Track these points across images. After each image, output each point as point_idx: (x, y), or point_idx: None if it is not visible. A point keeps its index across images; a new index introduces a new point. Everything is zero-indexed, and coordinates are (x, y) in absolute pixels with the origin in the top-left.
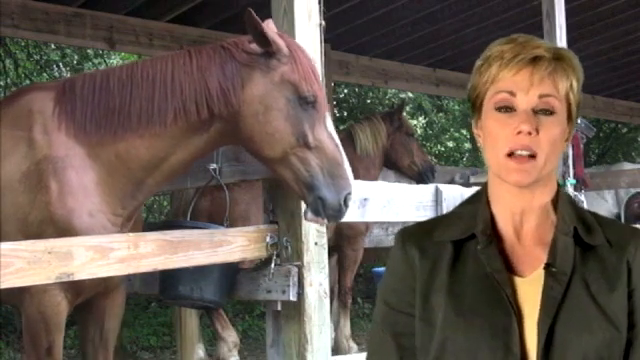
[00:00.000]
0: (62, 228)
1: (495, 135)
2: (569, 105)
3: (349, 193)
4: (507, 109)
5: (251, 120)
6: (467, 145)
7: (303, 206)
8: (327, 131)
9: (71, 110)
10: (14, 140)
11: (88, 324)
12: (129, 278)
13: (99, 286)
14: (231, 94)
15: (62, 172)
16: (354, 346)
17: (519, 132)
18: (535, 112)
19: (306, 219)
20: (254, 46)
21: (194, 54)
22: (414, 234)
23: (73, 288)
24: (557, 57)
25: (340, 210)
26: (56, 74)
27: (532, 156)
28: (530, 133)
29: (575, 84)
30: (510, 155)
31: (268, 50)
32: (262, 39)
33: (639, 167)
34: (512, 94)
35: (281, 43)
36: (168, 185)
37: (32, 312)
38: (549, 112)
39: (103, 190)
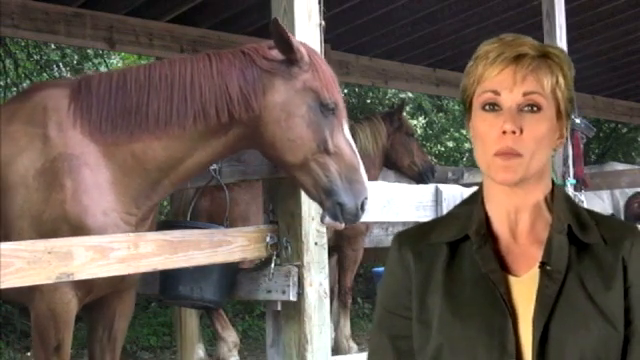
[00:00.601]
0: (76, 226)
1: (483, 135)
2: (557, 101)
3: (366, 198)
4: (493, 107)
5: (273, 126)
6: (467, 145)
7: (304, 207)
8: (344, 137)
9: (87, 108)
10: (28, 136)
11: (97, 324)
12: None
13: (110, 286)
14: (252, 99)
15: (77, 170)
16: (354, 346)
17: (504, 132)
18: (520, 110)
19: (323, 223)
20: (275, 52)
21: (214, 58)
22: (410, 237)
23: (84, 287)
24: (542, 54)
25: (357, 214)
26: (56, 74)
27: (518, 154)
28: (514, 132)
29: (562, 80)
30: (495, 154)
31: (291, 58)
32: (287, 47)
33: (629, 167)
34: (496, 93)
35: (304, 51)
36: None
37: (42, 310)
38: (535, 108)
39: (118, 189)
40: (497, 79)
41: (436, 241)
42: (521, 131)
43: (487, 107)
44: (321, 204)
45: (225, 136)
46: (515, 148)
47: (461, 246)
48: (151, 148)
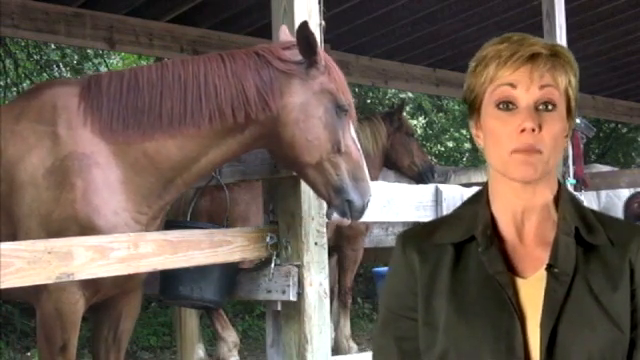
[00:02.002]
0: (86, 226)
1: (497, 134)
2: (568, 100)
3: (370, 195)
4: (508, 105)
5: (292, 127)
6: (467, 145)
7: (304, 207)
8: (352, 136)
9: (97, 107)
10: (38, 135)
11: (103, 324)
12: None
13: (117, 286)
14: (270, 100)
15: (88, 170)
16: (354, 346)
17: (522, 130)
18: (537, 109)
19: (329, 220)
20: (289, 53)
21: (227, 58)
22: (414, 237)
23: (91, 287)
24: (554, 54)
25: (363, 211)
26: (56, 74)
27: (538, 151)
28: (534, 130)
29: (573, 79)
30: (513, 153)
31: (312, 60)
32: (311, 50)
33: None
34: (513, 86)
35: (322, 54)
36: None
37: (49, 309)
38: (551, 106)
39: (129, 188)
40: (512, 77)
41: (441, 242)
42: (540, 129)
43: (502, 106)
44: (329, 202)
45: (241, 135)
46: (536, 145)
47: (467, 247)
48: (165, 147)
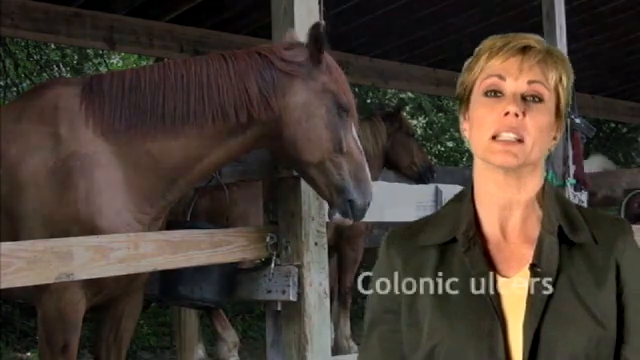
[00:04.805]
0: (88, 226)
1: (482, 119)
2: (558, 98)
3: (372, 194)
4: (495, 93)
5: (294, 127)
6: (467, 145)
7: (304, 207)
8: (353, 137)
9: (99, 107)
10: (39, 135)
11: (104, 324)
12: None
13: (119, 287)
14: (272, 100)
15: (90, 170)
16: (354, 346)
17: (506, 113)
18: (524, 99)
19: (331, 220)
20: (291, 54)
21: (229, 58)
22: (398, 239)
23: (94, 287)
24: (547, 50)
25: (364, 211)
26: (56, 74)
27: (519, 140)
28: (517, 115)
29: (564, 79)
30: (495, 138)
31: (315, 60)
32: (318, 51)
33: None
34: (501, 78)
35: (325, 54)
36: None
37: (50, 309)
38: (537, 99)
39: (130, 189)
40: (502, 66)
41: (425, 243)
42: (524, 115)
43: (489, 93)
44: (331, 202)
45: (243, 135)
46: (518, 129)
47: (450, 247)
48: (168, 148)
